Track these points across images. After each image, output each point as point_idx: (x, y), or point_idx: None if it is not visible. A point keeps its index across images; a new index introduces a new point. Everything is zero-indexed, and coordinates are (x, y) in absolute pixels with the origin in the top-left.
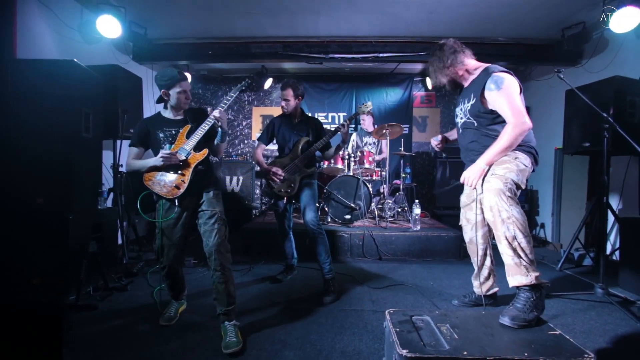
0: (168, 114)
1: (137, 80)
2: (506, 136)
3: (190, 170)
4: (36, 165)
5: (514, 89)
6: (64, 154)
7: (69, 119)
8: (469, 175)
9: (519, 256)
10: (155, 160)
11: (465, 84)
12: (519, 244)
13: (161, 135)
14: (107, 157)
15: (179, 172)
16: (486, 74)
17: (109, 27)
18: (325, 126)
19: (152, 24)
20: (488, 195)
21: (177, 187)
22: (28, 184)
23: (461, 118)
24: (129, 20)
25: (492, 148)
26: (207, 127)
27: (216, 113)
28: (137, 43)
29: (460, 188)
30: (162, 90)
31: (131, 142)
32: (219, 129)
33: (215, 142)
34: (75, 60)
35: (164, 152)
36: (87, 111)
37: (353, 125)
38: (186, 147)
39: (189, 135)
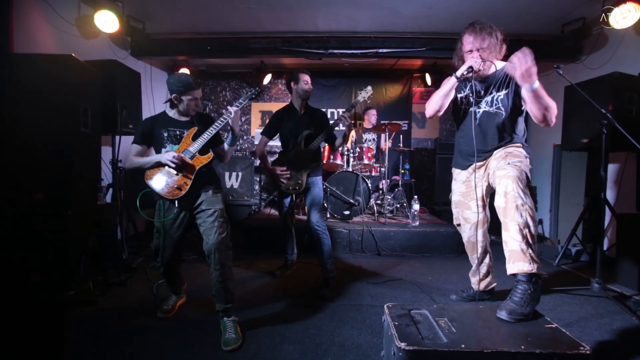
0: (174, 114)
1: (135, 75)
2: (550, 100)
3: (194, 172)
4: (34, 161)
5: None
6: (63, 150)
7: (67, 114)
8: (531, 62)
9: (528, 243)
10: (162, 158)
11: (486, 72)
12: (529, 231)
13: (165, 134)
14: (106, 152)
15: (182, 173)
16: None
17: (106, 21)
18: None
19: (150, 18)
20: (505, 181)
21: (179, 189)
22: (27, 179)
23: (479, 107)
24: (126, 14)
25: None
26: (214, 131)
27: (230, 111)
28: (135, 38)
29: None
30: (174, 95)
31: (134, 139)
32: (230, 133)
33: (225, 145)
34: (73, 55)
35: (174, 154)
36: (85, 106)
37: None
38: (191, 149)
39: (195, 137)
